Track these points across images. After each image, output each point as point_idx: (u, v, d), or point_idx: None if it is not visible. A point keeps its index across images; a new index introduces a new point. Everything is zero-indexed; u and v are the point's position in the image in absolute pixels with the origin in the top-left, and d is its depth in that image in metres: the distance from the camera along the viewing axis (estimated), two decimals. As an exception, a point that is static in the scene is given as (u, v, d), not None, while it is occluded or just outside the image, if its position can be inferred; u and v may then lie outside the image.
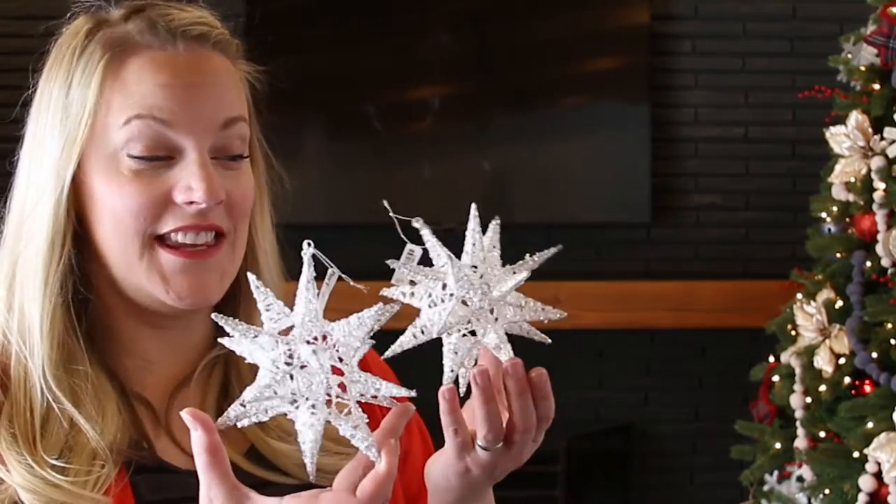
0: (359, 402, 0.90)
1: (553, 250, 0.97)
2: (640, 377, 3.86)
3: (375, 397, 0.90)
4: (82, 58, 1.07)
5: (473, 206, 0.96)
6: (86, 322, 1.08)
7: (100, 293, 1.09)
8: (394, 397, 0.91)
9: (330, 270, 0.91)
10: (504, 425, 0.97)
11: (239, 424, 0.90)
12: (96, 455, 1.03)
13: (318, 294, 0.90)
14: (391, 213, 0.97)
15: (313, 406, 0.88)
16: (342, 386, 0.88)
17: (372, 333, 0.90)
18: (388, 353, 0.95)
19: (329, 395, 0.88)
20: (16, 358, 1.06)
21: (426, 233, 0.96)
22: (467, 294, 0.93)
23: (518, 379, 0.95)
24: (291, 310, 0.90)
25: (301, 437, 0.89)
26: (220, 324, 0.90)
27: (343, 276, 0.91)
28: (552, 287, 3.66)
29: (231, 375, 1.14)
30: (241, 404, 0.89)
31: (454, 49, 3.88)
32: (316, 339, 0.89)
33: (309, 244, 0.90)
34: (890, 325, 2.33)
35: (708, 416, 3.86)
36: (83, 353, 1.07)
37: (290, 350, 0.88)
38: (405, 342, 0.95)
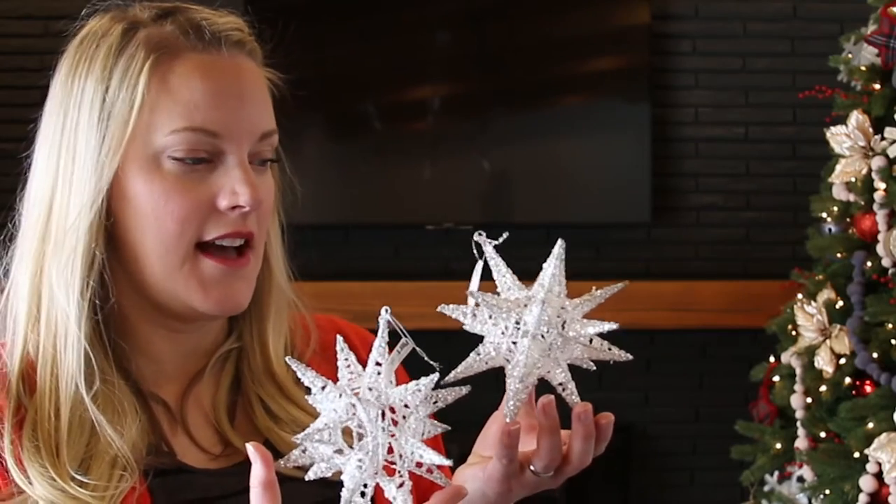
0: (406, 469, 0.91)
1: (620, 286, 0.96)
2: (640, 377, 3.86)
3: (420, 465, 0.90)
4: (121, 57, 1.06)
5: (561, 242, 0.96)
6: (107, 326, 1.08)
7: (119, 295, 1.08)
8: (439, 466, 0.91)
9: (403, 340, 0.91)
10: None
11: (292, 465, 0.92)
12: (116, 463, 1.03)
13: (389, 360, 0.90)
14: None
15: (360, 461, 0.89)
16: (390, 449, 0.89)
17: (430, 401, 0.90)
18: (451, 377, 0.94)
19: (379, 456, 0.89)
20: (42, 363, 1.05)
21: (489, 249, 0.96)
22: (543, 331, 0.93)
23: (587, 424, 0.95)
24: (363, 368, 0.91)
25: (345, 484, 0.90)
26: (294, 369, 0.91)
27: (417, 348, 0.91)
28: (552, 287, 3.65)
29: (243, 369, 1.15)
30: (301, 444, 0.91)
31: (454, 49, 3.88)
32: (378, 403, 0.89)
33: (387, 310, 0.90)
34: (890, 326, 2.33)
35: (708, 416, 3.86)
36: (107, 358, 1.07)
37: (353, 405, 0.89)
38: (468, 368, 0.94)
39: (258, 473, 0.89)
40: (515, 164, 3.82)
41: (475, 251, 0.97)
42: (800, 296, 2.60)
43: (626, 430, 3.83)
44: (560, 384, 0.95)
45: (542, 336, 0.92)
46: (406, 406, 0.89)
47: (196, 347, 1.14)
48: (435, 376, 0.89)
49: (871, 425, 2.28)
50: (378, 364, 0.89)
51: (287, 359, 0.91)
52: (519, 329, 0.93)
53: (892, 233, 2.36)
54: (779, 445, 2.59)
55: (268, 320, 1.15)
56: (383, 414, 0.88)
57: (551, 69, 3.86)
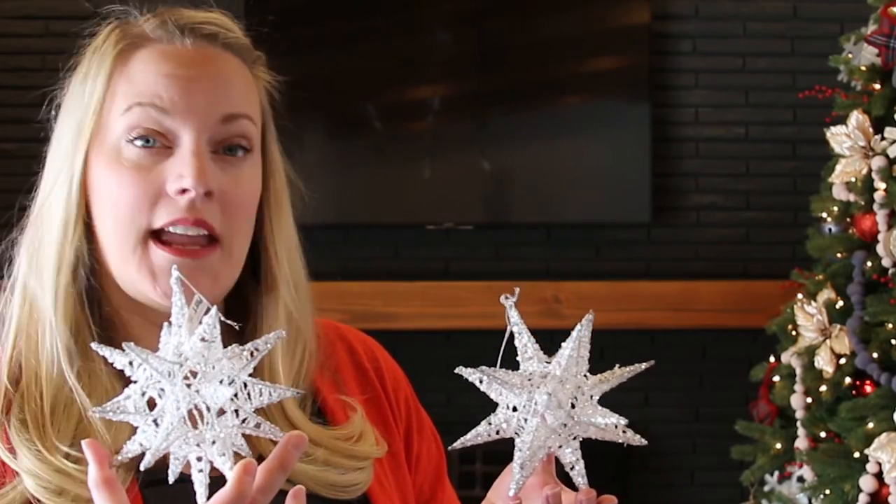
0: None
1: (644, 365, 0.96)
2: (640, 377, 3.84)
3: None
4: (97, 53, 1.09)
5: (590, 316, 0.94)
6: (99, 316, 1.09)
7: (107, 287, 1.09)
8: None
9: (196, 297, 0.90)
10: None
11: (125, 458, 0.90)
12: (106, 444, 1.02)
13: (186, 318, 0.89)
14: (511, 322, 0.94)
15: (169, 425, 0.87)
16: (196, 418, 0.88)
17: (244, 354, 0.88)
18: (458, 445, 0.94)
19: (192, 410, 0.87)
20: (26, 351, 1.07)
21: (514, 315, 0.95)
22: (553, 411, 0.92)
23: None
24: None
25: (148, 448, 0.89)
26: (102, 354, 0.90)
27: (212, 306, 0.90)
28: (552, 287, 3.66)
29: None
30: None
31: (454, 49, 3.88)
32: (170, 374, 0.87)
33: (176, 267, 0.91)
34: (890, 326, 2.33)
35: (708, 416, 3.86)
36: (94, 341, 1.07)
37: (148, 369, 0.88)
38: (477, 436, 0.93)
39: (93, 474, 0.87)
40: (515, 164, 3.82)
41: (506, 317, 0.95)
42: (800, 296, 2.60)
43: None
44: (569, 463, 0.95)
45: (553, 418, 0.92)
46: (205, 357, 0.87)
47: None
48: (213, 311, 0.88)
49: (871, 425, 2.28)
50: (179, 326, 0.89)
51: (92, 344, 0.91)
52: (531, 406, 0.92)
53: (892, 233, 2.36)
54: (779, 445, 2.59)
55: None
56: (192, 374, 0.86)
57: (551, 69, 3.86)
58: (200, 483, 0.89)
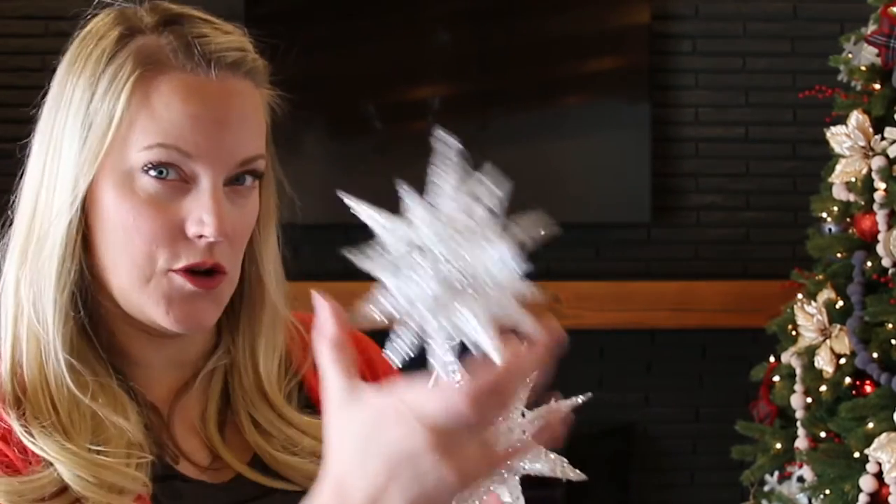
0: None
1: (581, 398, 0.89)
2: (640, 377, 3.86)
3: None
4: (110, 66, 1.05)
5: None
6: (96, 326, 1.08)
7: (102, 301, 1.08)
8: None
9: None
10: None
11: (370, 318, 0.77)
12: (131, 447, 1.02)
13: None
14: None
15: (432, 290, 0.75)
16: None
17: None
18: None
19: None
20: (28, 364, 1.05)
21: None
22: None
23: None
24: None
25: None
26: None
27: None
28: (552, 287, 3.66)
29: (233, 385, 1.14)
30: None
31: (454, 49, 3.88)
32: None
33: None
34: (890, 326, 2.33)
35: (708, 416, 3.86)
36: (98, 358, 1.07)
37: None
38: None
39: (330, 331, 0.80)
40: (515, 164, 3.82)
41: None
42: (800, 296, 2.60)
43: (626, 430, 3.83)
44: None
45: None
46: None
47: (181, 356, 1.13)
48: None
49: (871, 425, 2.28)
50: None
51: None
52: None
53: (892, 233, 2.36)
54: (779, 445, 2.59)
55: (260, 337, 1.14)
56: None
57: (551, 69, 3.86)
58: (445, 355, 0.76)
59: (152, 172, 1.03)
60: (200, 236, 1.04)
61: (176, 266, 1.04)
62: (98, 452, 1.00)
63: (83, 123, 1.04)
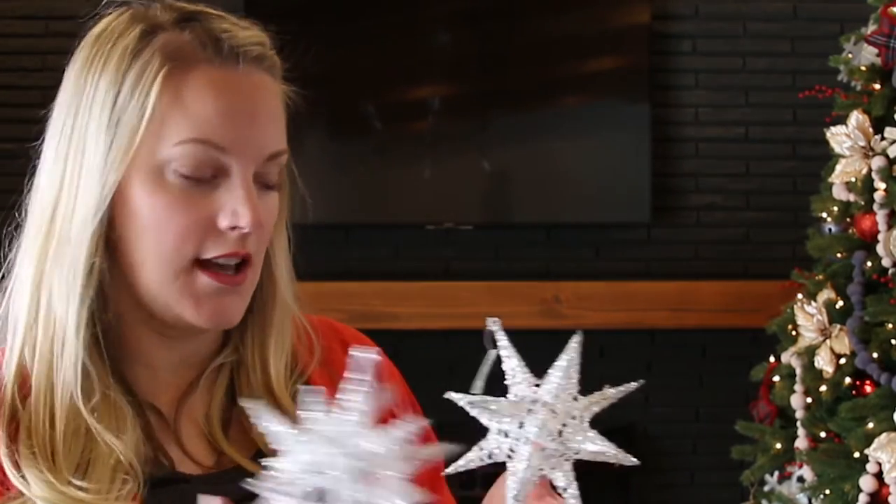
0: None
1: (634, 385, 0.95)
2: (640, 377, 3.84)
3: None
4: (136, 62, 1.04)
5: (577, 337, 0.93)
6: (104, 333, 1.07)
7: (117, 303, 1.08)
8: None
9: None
10: None
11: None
12: (118, 467, 1.02)
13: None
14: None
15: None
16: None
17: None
18: (451, 470, 0.92)
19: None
20: (38, 370, 1.05)
21: (502, 338, 0.93)
22: (544, 440, 0.90)
23: None
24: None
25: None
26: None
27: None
28: (552, 287, 3.66)
29: (241, 382, 1.14)
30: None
31: (454, 49, 3.88)
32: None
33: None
34: (891, 326, 2.33)
35: (708, 416, 3.86)
36: (104, 367, 1.06)
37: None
38: (469, 462, 0.92)
39: None
40: (515, 164, 3.82)
41: (485, 343, 0.94)
42: (800, 296, 2.60)
43: (626, 430, 3.83)
44: (562, 487, 0.93)
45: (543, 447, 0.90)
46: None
47: (191, 356, 1.13)
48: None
49: (871, 425, 2.28)
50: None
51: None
52: (522, 431, 0.90)
53: (892, 233, 2.36)
54: (779, 445, 2.59)
55: (270, 336, 1.14)
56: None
57: (551, 69, 3.86)
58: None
59: (184, 169, 1.03)
60: (234, 228, 1.04)
61: (205, 255, 1.04)
62: (84, 473, 1.00)
63: (110, 121, 1.03)
